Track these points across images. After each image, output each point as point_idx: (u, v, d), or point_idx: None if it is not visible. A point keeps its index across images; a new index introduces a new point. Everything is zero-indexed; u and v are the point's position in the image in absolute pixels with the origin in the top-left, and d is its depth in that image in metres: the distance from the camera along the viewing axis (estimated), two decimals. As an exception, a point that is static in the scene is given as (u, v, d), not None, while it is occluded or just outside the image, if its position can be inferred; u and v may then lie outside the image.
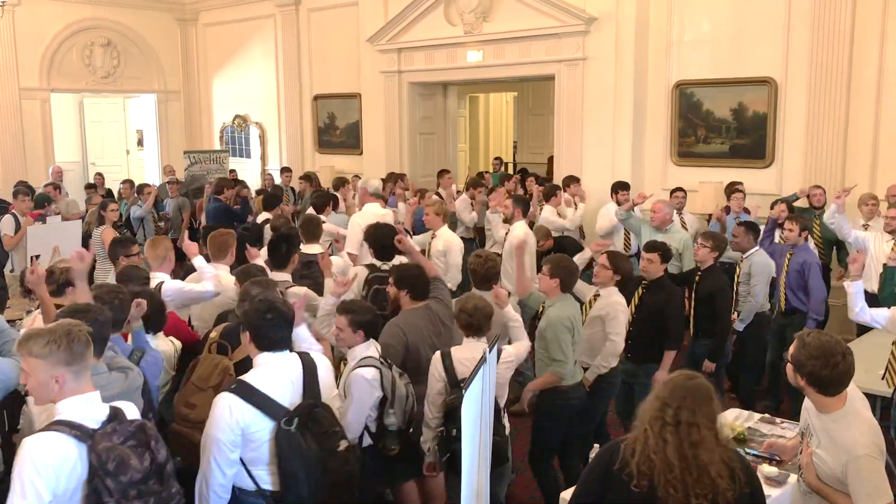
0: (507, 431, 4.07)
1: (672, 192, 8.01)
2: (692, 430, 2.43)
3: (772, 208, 7.20)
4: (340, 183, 9.22)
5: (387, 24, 10.88)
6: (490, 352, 3.00)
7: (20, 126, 12.58)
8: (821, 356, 2.78)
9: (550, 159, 12.90)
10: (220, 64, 14.23)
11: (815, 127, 7.92)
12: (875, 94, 7.65)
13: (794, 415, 5.31)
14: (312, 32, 12.63)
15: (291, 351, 3.35)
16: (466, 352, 3.89)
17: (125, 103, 15.52)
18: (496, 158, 13.88)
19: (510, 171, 15.05)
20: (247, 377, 3.14)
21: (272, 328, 3.18)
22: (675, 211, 7.41)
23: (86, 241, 7.75)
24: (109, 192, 11.45)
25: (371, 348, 3.88)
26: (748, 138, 8.49)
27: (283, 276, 4.96)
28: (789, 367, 2.91)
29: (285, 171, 11.85)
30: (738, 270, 6.04)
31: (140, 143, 15.57)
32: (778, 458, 3.71)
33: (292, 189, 11.23)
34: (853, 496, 2.79)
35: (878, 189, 7.53)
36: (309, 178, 10.97)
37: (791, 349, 2.90)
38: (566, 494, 3.71)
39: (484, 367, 2.86)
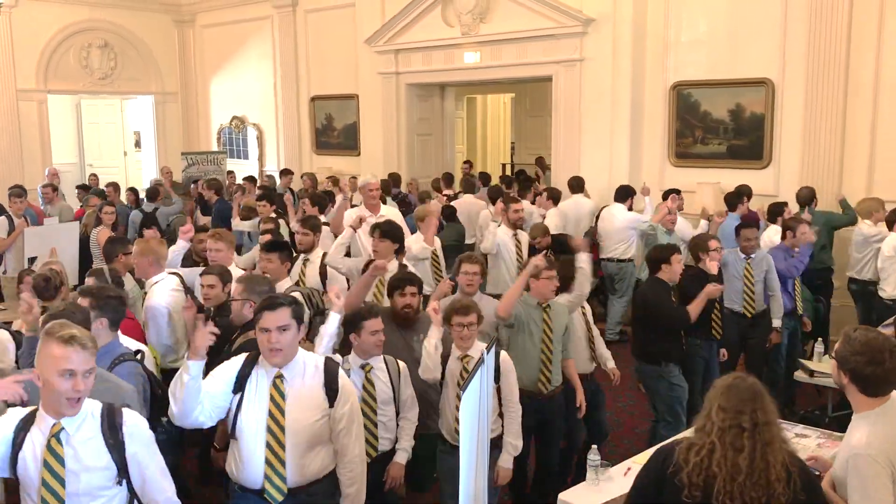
0: None
1: (671, 195, 7.88)
2: (765, 430, 2.44)
3: (768, 214, 7.20)
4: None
5: (384, 26, 10.89)
6: (487, 353, 3.01)
7: (17, 128, 12.52)
8: (866, 352, 2.65)
9: (538, 159, 12.98)
10: (217, 65, 14.21)
11: (812, 127, 7.92)
12: (872, 94, 7.66)
13: (785, 415, 5.38)
14: (310, 34, 12.61)
15: None
16: None
17: (122, 105, 15.46)
18: (465, 162, 13.69)
19: (507, 171, 15.05)
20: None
21: None
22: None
23: (84, 243, 7.72)
24: (103, 195, 11.40)
25: None
26: (745, 139, 8.49)
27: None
28: (833, 364, 2.80)
29: (285, 173, 11.83)
30: (749, 270, 6.05)
31: (137, 144, 15.52)
32: (819, 473, 3.65)
33: (291, 190, 11.20)
34: (848, 496, 2.63)
35: (875, 189, 7.55)
36: (253, 180, 11.06)
37: (836, 345, 2.81)
38: (564, 496, 3.72)
39: (482, 368, 2.87)
